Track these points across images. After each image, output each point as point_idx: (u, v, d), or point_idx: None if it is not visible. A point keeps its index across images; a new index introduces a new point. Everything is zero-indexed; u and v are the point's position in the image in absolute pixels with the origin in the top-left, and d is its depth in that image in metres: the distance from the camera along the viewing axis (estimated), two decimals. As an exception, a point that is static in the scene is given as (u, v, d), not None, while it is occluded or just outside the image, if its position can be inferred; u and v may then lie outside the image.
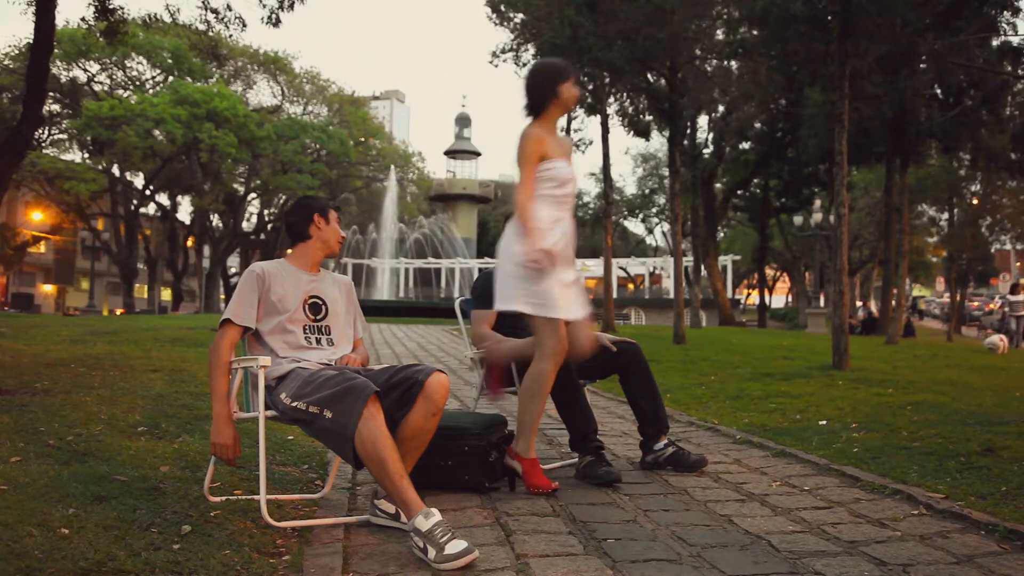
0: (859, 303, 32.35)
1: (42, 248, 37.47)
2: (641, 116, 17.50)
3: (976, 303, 43.28)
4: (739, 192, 29.33)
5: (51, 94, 27.40)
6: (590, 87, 16.71)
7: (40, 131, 24.88)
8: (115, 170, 31.95)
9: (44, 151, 30.16)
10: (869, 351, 11.40)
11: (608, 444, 3.90)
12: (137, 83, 32.85)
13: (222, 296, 37.07)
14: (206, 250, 38.11)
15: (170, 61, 31.59)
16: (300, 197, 3.11)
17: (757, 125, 25.28)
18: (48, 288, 43.44)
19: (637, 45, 13.14)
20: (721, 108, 26.36)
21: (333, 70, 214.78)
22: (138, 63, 32.42)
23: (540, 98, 3.12)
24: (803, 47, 9.86)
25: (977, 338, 23.27)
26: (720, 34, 16.86)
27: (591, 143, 20.84)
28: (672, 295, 16.67)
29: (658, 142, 36.45)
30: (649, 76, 15.77)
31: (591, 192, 43.88)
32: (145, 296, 39.50)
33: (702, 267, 28.18)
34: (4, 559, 1.96)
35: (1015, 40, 13.72)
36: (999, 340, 12.45)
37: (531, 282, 2.96)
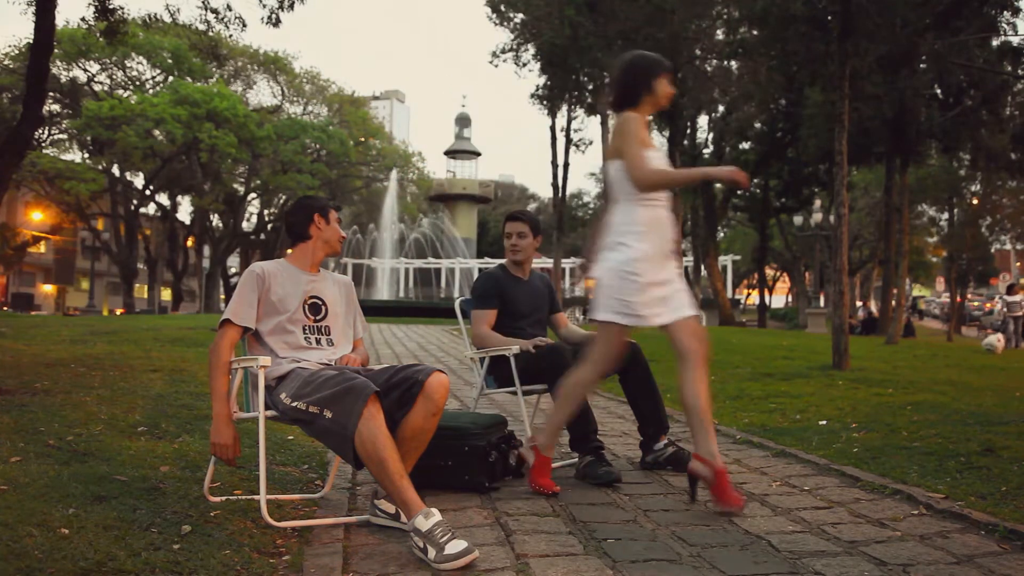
0: (859, 303, 32.36)
1: (42, 248, 37.48)
2: (641, 116, 17.49)
3: (976, 303, 43.28)
4: (739, 192, 29.33)
5: (51, 94, 27.40)
6: (590, 87, 16.72)
7: (40, 131, 24.89)
8: (115, 170, 31.95)
9: (44, 151, 30.16)
10: (869, 351, 11.40)
11: (608, 444, 3.90)
12: (137, 83, 32.86)
13: (222, 296, 37.07)
14: (206, 250, 38.11)
15: (170, 61, 31.59)
16: (300, 197, 3.11)
17: (757, 125, 25.31)
18: (48, 288, 43.45)
19: (637, 45, 13.15)
20: (721, 108, 26.38)
21: (333, 70, 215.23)
22: (138, 63, 32.44)
23: (633, 92, 2.95)
24: (803, 47, 9.87)
25: (977, 338, 23.28)
26: (720, 34, 16.90)
27: (591, 143, 20.89)
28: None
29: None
30: (649, 76, 15.76)
31: (591, 192, 43.89)
32: (145, 296, 39.50)
33: (702, 267, 28.19)
34: (4, 559, 1.96)
35: (1015, 40, 13.76)
36: (997, 340, 12.44)
37: (624, 292, 2.82)
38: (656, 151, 2.91)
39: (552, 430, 3.05)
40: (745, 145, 26.94)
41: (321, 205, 2.94)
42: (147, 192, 33.88)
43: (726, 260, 40.74)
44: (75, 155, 33.08)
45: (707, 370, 2.90)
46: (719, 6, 15.74)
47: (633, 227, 2.84)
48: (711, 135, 28.45)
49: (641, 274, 2.80)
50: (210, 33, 10.45)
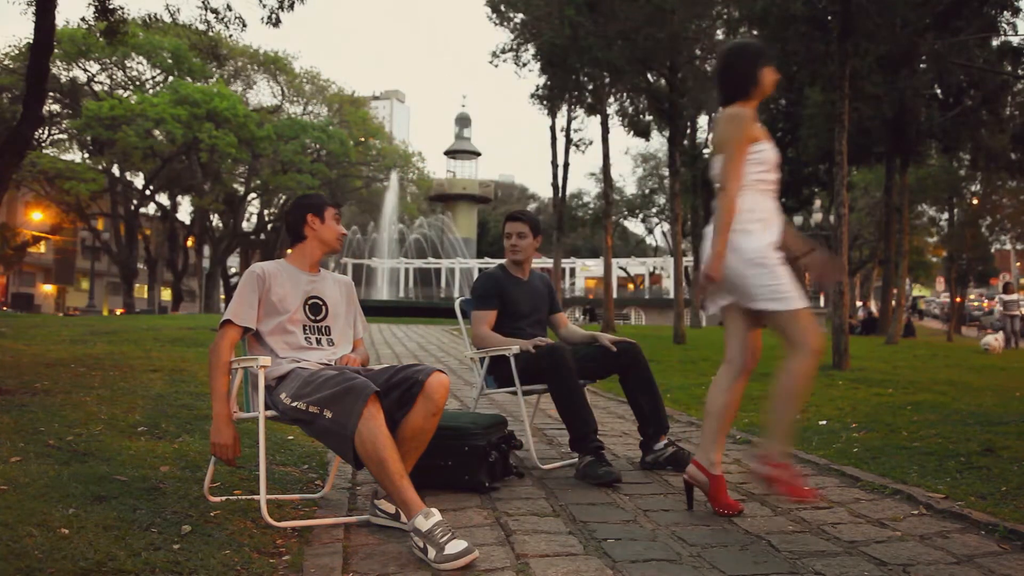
0: (859, 303, 32.33)
1: (42, 248, 37.48)
2: (641, 116, 17.53)
3: (976, 303, 43.27)
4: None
5: (51, 94, 27.42)
6: (590, 87, 16.71)
7: (40, 131, 24.90)
8: (115, 170, 31.97)
9: (44, 151, 30.17)
10: (869, 351, 11.40)
11: (608, 444, 3.90)
12: (137, 83, 32.88)
13: (222, 296, 37.10)
14: (206, 250, 38.14)
15: (170, 61, 31.61)
16: (297, 197, 3.09)
17: (757, 125, 25.26)
18: (48, 288, 43.46)
19: (637, 45, 13.15)
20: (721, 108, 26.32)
21: (333, 70, 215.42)
22: (138, 63, 32.48)
23: (741, 83, 2.81)
24: (803, 47, 9.87)
25: (976, 338, 23.29)
26: (720, 34, 16.88)
27: (591, 143, 20.89)
28: (672, 295, 16.67)
29: (658, 142, 36.48)
30: (649, 76, 15.78)
31: (591, 192, 43.91)
32: (145, 296, 39.52)
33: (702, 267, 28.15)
34: (4, 559, 1.96)
35: (1015, 40, 13.74)
36: (994, 340, 12.43)
37: (770, 277, 2.66)
38: (767, 143, 2.80)
39: (780, 434, 2.71)
40: (745, 145, 26.90)
41: (315, 204, 2.91)
42: (147, 192, 33.90)
43: (726, 260, 40.65)
44: (75, 155, 33.16)
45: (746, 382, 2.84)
46: (719, 6, 15.73)
47: (758, 214, 2.74)
48: (711, 135, 28.44)
49: (774, 257, 2.69)
50: (210, 33, 10.47)
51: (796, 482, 2.64)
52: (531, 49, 18.16)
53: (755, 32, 12.68)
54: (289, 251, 2.95)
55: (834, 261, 2.74)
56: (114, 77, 32.91)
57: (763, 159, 2.76)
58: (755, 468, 2.73)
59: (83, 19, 8.47)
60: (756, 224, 2.71)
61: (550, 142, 20.95)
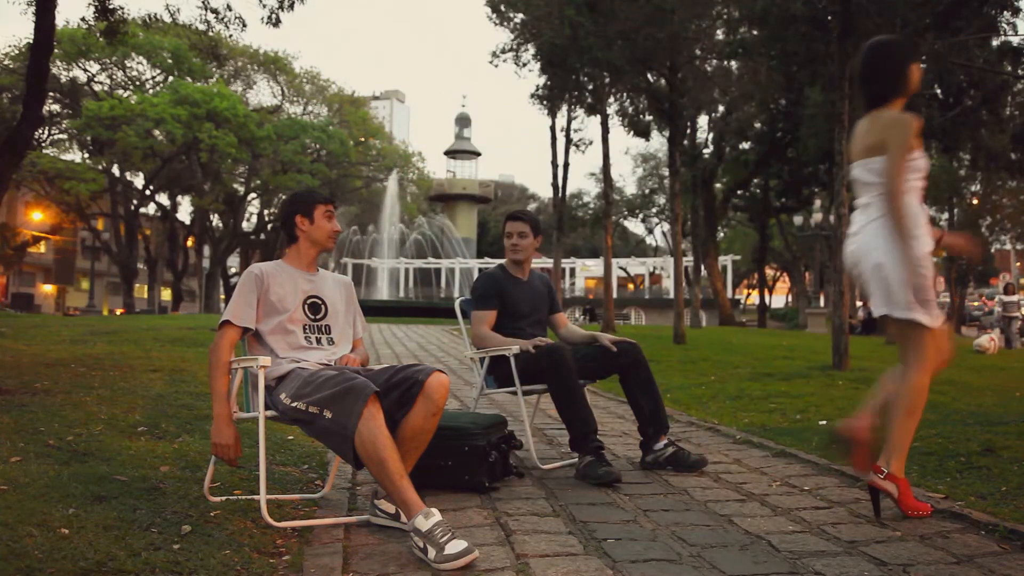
0: (859, 303, 32.31)
1: (42, 248, 37.50)
2: (641, 116, 17.53)
3: (976, 303, 43.29)
4: (739, 192, 29.34)
5: (51, 94, 27.41)
6: (590, 87, 16.71)
7: (40, 131, 24.90)
8: (115, 170, 31.97)
9: (44, 151, 30.18)
10: (869, 351, 11.40)
11: (608, 444, 3.90)
12: (137, 83, 32.88)
13: (222, 296, 37.10)
14: (206, 250, 38.15)
15: (170, 61, 31.62)
16: (290, 194, 3.08)
17: (757, 125, 25.30)
18: (48, 288, 43.47)
19: (637, 45, 13.14)
20: (721, 108, 26.39)
21: (333, 70, 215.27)
22: (138, 63, 32.49)
23: (892, 82, 2.74)
24: (803, 47, 9.87)
25: (975, 338, 23.29)
26: (720, 34, 16.88)
27: (591, 143, 20.88)
28: (672, 295, 16.68)
29: (658, 142, 36.50)
30: (649, 76, 15.78)
31: (591, 192, 43.96)
32: (145, 296, 39.53)
33: (702, 267, 28.20)
34: (4, 559, 1.96)
35: (1015, 40, 13.72)
36: (987, 341, 12.42)
37: (925, 291, 2.62)
38: (919, 152, 2.75)
39: (899, 450, 2.69)
40: (745, 145, 26.94)
41: (303, 203, 2.88)
42: (147, 192, 33.90)
43: (726, 260, 40.79)
44: (75, 155, 33.18)
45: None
46: (719, 6, 15.73)
47: (921, 220, 2.69)
48: (711, 135, 28.48)
49: (930, 268, 2.66)
50: (210, 33, 10.48)
51: (911, 498, 2.66)
52: (531, 49, 18.16)
53: (755, 32, 12.69)
54: (286, 251, 2.95)
55: (974, 239, 2.75)
56: (114, 77, 32.93)
57: (918, 166, 2.75)
58: (873, 481, 2.69)
59: (83, 19, 8.48)
60: (921, 230, 2.67)
61: (550, 142, 20.94)
